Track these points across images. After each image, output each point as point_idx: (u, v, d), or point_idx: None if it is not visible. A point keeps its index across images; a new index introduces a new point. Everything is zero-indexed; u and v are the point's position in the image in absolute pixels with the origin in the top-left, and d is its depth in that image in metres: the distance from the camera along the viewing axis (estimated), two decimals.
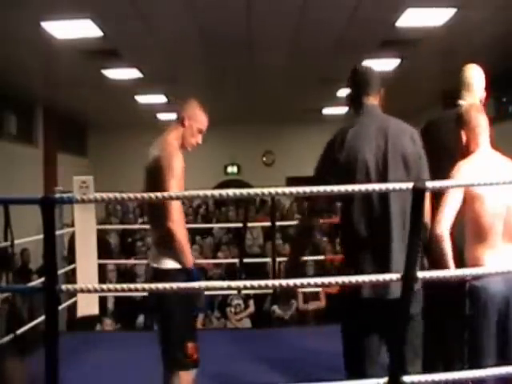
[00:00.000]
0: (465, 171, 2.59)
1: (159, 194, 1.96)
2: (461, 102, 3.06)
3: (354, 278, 2.07)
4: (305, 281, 2.16)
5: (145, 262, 7.25)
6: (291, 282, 2.05)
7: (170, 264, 2.76)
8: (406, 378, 1.98)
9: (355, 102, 2.54)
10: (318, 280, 2.12)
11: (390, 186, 2.08)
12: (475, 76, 3.08)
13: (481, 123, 2.71)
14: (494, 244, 2.57)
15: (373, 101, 2.51)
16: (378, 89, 2.54)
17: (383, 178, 2.32)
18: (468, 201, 2.57)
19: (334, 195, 2.44)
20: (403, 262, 2.05)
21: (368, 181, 2.30)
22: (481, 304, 2.54)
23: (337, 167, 2.37)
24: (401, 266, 2.07)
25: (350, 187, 2.03)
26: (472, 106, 2.79)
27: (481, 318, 2.55)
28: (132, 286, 2.19)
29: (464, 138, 2.72)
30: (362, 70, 2.62)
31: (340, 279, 2.06)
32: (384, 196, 2.31)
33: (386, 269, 2.24)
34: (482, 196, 2.55)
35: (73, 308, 5.13)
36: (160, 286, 2.09)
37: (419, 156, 2.43)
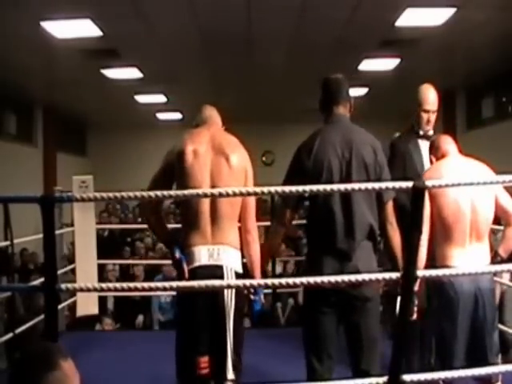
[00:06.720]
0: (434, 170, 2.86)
1: (158, 193, 1.96)
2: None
3: (353, 277, 2.07)
4: (303, 280, 2.16)
5: (143, 262, 7.29)
6: (290, 280, 2.05)
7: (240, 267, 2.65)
8: (405, 377, 1.98)
9: (325, 110, 2.73)
10: (318, 279, 2.12)
11: (390, 184, 2.09)
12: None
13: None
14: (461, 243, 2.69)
15: (342, 110, 2.69)
16: (348, 99, 2.71)
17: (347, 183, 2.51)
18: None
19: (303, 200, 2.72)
20: (363, 260, 2.47)
21: None
22: (447, 301, 2.64)
23: (304, 174, 2.56)
24: (361, 264, 2.47)
25: (349, 186, 2.04)
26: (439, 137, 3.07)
27: (447, 315, 2.64)
28: (132, 285, 2.20)
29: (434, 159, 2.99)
30: (333, 80, 2.76)
31: (339, 278, 2.06)
32: (348, 198, 2.50)
33: (346, 268, 2.48)
34: (445, 193, 2.67)
35: (73, 308, 5.13)
36: (160, 284, 2.08)
37: (379, 165, 2.59)
